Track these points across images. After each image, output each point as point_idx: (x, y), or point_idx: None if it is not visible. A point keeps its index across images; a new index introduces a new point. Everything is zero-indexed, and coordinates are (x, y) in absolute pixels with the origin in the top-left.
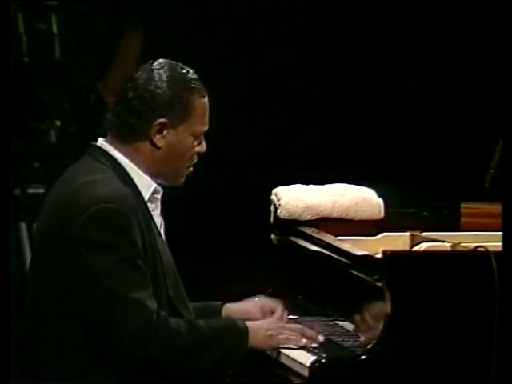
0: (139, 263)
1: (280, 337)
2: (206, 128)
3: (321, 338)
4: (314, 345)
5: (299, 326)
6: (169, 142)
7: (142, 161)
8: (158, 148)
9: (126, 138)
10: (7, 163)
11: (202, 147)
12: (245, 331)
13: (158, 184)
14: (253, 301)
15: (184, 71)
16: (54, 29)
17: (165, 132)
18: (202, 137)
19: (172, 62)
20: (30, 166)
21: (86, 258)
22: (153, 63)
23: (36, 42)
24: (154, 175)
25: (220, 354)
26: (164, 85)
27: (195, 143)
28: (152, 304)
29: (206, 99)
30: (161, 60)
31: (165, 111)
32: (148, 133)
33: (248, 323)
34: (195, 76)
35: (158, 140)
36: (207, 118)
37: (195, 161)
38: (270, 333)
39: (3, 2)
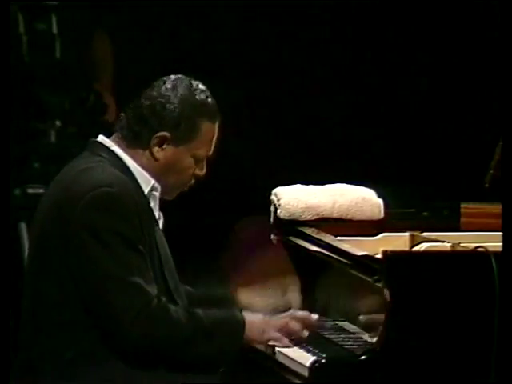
0: (139, 247)
1: (272, 334)
2: (208, 153)
3: (315, 317)
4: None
5: (285, 322)
6: (167, 157)
7: (141, 165)
8: (156, 159)
9: (130, 142)
10: (7, 163)
11: (202, 171)
12: (242, 324)
13: None
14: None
15: (200, 93)
16: (54, 29)
17: (165, 146)
18: (204, 162)
19: (193, 81)
20: (30, 166)
21: (87, 241)
22: (174, 77)
23: (36, 42)
24: (152, 177)
25: (216, 346)
26: (176, 101)
27: (195, 165)
28: (152, 289)
29: (216, 126)
30: (182, 76)
31: (169, 127)
32: (149, 142)
33: (245, 315)
34: (210, 100)
35: (157, 152)
36: (212, 143)
37: (192, 182)
38: (264, 327)
39: (3, 2)
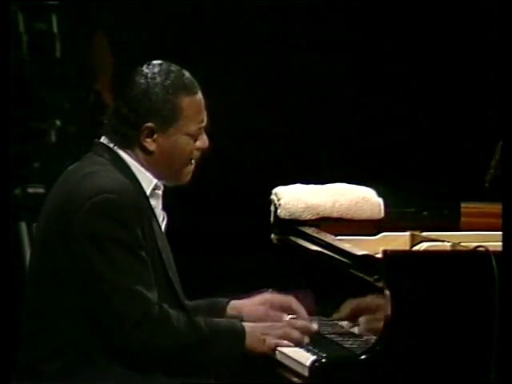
0: (141, 254)
1: (272, 343)
2: (201, 125)
3: (315, 326)
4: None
5: (285, 332)
6: (161, 146)
7: (141, 164)
8: (151, 152)
9: (121, 145)
10: (7, 163)
11: (203, 142)
12: (242, 333)
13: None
14: (261, 296)
15: (170, 72)
16: (54, 29)
17: (155, 136)
18: (202, 131)
19: (160, 63)
20: (30, 166)
21: (88, 248)
22: (141, 67)
23: (36, 42)
24: (155, 176)
25: (216, 354)
26: (149, 90)
27: (192, 140)
28: (153, 295)
29: (198, 96)
30: (149, 63)
31: (151, 116)
32: (138, 139)
33: (245, 325)
34: (184, 74)
35: (149, 144)
36: (202, 114)
37: (197, 156)
38: (264, 337)
39: (3, 1)
